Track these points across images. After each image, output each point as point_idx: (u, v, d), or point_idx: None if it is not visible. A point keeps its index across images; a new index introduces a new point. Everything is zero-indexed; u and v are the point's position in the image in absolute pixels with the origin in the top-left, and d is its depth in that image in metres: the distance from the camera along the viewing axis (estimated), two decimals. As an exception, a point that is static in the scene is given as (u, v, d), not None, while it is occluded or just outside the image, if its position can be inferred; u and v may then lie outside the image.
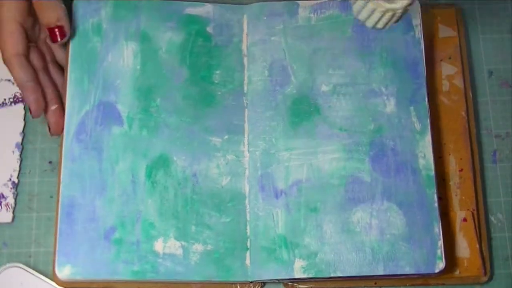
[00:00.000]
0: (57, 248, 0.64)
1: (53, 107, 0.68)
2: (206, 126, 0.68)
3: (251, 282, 0.66)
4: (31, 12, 0.66)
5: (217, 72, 0.71)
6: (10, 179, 0.70)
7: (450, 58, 0.74)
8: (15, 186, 0.70)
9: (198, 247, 0.65)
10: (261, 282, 0.68)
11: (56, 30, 0.66)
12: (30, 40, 0.67)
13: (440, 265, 0.65)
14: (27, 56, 0.66)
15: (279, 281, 0.67)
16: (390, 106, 0.69)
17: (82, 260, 0.64)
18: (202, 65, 0.71)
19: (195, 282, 0.65)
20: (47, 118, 0.68)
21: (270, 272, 0.65)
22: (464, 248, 0.69)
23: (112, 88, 0.69)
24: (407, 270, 0.65)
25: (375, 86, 0.70)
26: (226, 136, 0.69)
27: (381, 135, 0.69)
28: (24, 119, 0.72)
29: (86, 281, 0.65)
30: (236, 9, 0.73)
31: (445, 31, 0.75)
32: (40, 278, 0.66)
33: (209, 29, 0.72)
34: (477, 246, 0.69)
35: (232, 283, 0.67)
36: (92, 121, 0.67)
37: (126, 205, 0.65)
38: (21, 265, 0.67)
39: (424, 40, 0.71)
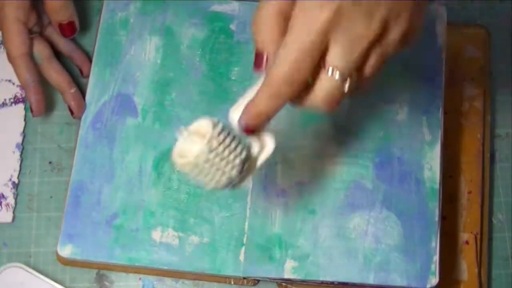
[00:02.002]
0: (61, 228, 0.67)
1: (72, 90, 0.71)
2: None
3: (244, 278, 0.67)
4: (33, 8, 0.69)
5: (236, 69, 0.72)
6: (10, 179, 0.72)
7: (472, 79, 0.72)
8: (15, 186, 0.72)
9: (195, 239, 0.67)
10: (254, 279, 0.68)
11: (68, 26, 0.70)
12: (35, 32, 0.70)
13: (433, 280, 0.63)
14: (31, 55, 0.70)
15: (270, 280, 0.68)
16: (402, 114, 0.68)
17: (83, 241, 0.67)
18: (222, 62, 0.72)
19: (189, 272, 0.67)
20: (67, 101, 0.71)
21: (261, 270, 0.65)
22: (463, 271, 0.67)
23: (131, 81, 0.71)
24: (398, 282, 0.63)
25: (390, 92, 0.69)
26: None
27: (389, 142, 0.67)
28: (24, 119, 0.74)
29: (85, 261, 0.68)
30: (262, 7, 0.73)
31: (471, 52, 0.73)
32: (40, 278, 0.68)
33: (233, 26, 0.73)
34: (476, 270, 0.67)
35: (224, 277, 0.68)
36: (109, 111, 0.70)
37: (130, 194, 0.68)
38: (21, 265, 0.68)
39: (449, 58, 0.69)
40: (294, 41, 0.49)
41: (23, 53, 0.69)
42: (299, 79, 0.50)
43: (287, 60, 0.49)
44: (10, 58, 0.69)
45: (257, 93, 0.52)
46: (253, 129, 0.54)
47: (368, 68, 0.52)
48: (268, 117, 0.53)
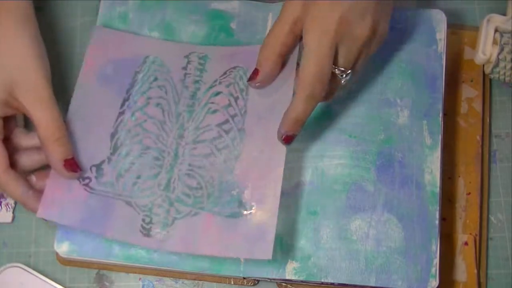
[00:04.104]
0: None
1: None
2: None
3: (244, 278, 0.67)
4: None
5: (235, 68, 0.71)
6: (10, 179, 0.71)
7: (472, 80, 0.73)
8: (15, 186, 0.71)
9: (195, 238, 0.67)
10: (254, 280, 0.69)
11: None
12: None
13: (433, 283, 0.64)
14: (13, 167, 0.63)
15: (271, 280, 0.68)
16: (403, 117, 0.68)
17: (80, 239, 0.66)
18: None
19: (189, 272, 0.67)
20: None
21: (262, 271, 0.65)
22: (462, 271, 0.68)
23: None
24: (399, 284, 0.64)
25: (391, 96, 0.69)
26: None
27: (390, 145, 0.68)
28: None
29: (84, 260, 0.67)
30: (262, 7, 0.73)
31: (470, 53, 0.74)
32: (40, 278, 0.68)
33: (233, 24, 0.73)
34: (475, 271, 0.68)
35: (224, 277, 0.68)
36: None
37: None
38: (21, 265, 0.68)
39: (448, 60, 0.70)
40: (314, 48, 0.60)
41: (3, 170, 0.63)
42: (327, 75, 0.61)
43: (313, 62, 0.60)
44: None
45: (294, 99, 0.61)
46: (292, 137, 0.63)
47: (358, 65, 0.64)
48: (304, 122, 0.62)
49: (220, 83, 0.69)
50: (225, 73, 0.69)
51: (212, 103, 0.68)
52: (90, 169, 0.66)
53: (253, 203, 0.64)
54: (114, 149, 0.67)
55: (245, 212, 0.64)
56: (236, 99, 0.68)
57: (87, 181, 0.66)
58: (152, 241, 0.64)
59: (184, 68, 0.70)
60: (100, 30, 0.71)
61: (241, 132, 0.67)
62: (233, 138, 0.67)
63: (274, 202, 0.63)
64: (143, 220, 0.65)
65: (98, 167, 0.66)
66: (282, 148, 0.64)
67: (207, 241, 0.64)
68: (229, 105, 0.68)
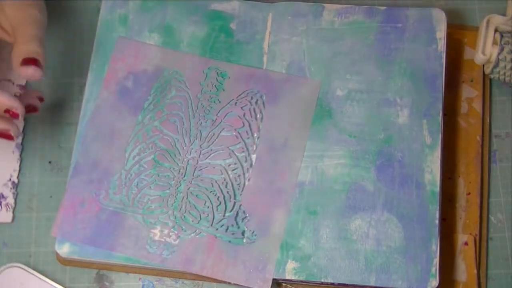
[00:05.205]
0: (59, 227, 0.67)
1: None
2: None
3: (244, 278, 0.68)
4: None
5: (235, 68, 0.72)
6: (10, 179, 0.71)
7: (472, 80, 0.73)
8: (15, 186, 0.71)
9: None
10: (254, 280, 0.69)
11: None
12: None
13: (433, 283, 0.64)
14: None
15: (270, 280, 0.68)
16: (403, 117, 0.68)
17: (81, 240, 0.67)
18: (221, 60, 0.72)
19: (188, 272, 0.67)
20: None
21: (262, 271, 0.66)
22: (462, 271, 0.68)
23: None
24: (399, 284, 0.64)
25: (390, 95, 0.69)
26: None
27: (390, 145, 0.68)
28: (24, 119, 0.73)
29: (84, 261, 0.67)
30: (262, 7, 0.73)
31: (470, 53, 0.74)
32: (40, 278, 0.68)
33: (233, 25, 0.73)
34: (475, 271, 0.68)
35: (224, 278, 0.68)
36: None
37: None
38: (21, 265, 0.68)
39: (448, 60, 0.70)
40: None
41: None
42: None
43: None
44: None
45: None
46: None
47: None
48: None
49: (236, 104, 0.69)
50: (242, 94, 0.70)
51: (227, 123, 0.69)
52: (104, 182, 0.67)
53: (256, 233, 0.66)
54: (128, 164, 0.68)
55: (247, 241, 0.65)
56: (251, 123, 0.68)
57: (100, 195, 0.67)
58: (157, 257, 0.65)
59: (202, 83, 0.70)
60: (122, 41, 0.71)
61: (253, 157, 0.68)
62: (244, 162, 0.67)
63: (278, 236, 0.65)
64: (150, 236, 0.66)
65: (112, 181, 0.67)
66: (293, 184, 0.66)
67: (210, 263, 0.65)
68: (243, 128, 0.68)
